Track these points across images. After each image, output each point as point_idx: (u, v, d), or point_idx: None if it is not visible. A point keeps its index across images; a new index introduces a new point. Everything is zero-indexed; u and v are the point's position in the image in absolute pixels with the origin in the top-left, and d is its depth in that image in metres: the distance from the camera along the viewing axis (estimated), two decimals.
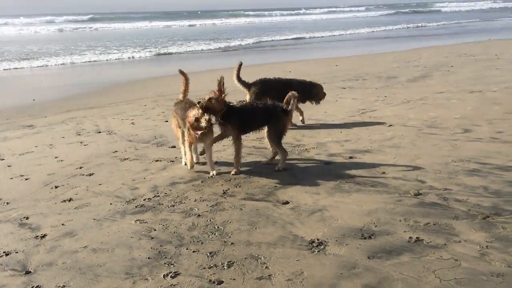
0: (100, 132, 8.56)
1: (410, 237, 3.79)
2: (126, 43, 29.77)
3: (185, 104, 5.97)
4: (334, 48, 25.43)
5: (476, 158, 5.70)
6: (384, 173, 5.34)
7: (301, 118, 8.13)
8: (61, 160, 6.74)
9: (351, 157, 6.04)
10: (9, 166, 6.59)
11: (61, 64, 21.00)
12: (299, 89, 6.71)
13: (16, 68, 20.04)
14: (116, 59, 22.68)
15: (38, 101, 12.42)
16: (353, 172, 5.47)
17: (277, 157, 5.93)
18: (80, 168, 6.32)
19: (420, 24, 42.31)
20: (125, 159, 6.65)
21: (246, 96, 7.81)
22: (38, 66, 20.58)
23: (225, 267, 3.52)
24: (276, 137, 5.75)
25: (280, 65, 17.69)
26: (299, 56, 21.86)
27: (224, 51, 25.68)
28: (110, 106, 11.25)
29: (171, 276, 3.45)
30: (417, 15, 59.21)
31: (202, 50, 26.05)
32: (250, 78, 8.02)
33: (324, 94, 8.17)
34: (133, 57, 23.30)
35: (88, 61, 21.82)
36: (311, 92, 7.90)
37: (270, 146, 6.01)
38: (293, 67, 16.69)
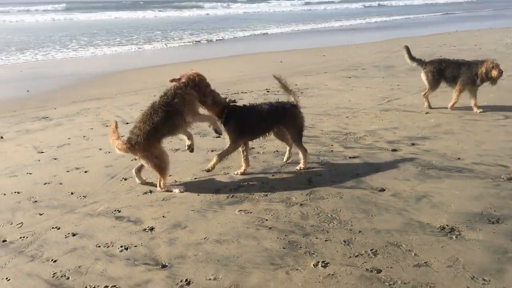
0: (128, 123, 8.26)
1: None
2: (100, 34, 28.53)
3: None
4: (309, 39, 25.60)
5: None
6: (459, 159, 5.51)
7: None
8: (108, 152, 6.48)
9: (413, 144, 6.17)
10: (55, 159, 6.25)
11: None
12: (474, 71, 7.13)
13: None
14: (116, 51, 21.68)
15: (32, 92, 11.76)
16: (426, 158, 5.61)
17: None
18: (135, 160, 6.08)
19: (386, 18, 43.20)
20: (176, 149, 6.47)
21: (421, 75, 8.11)
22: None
23: (372, 255, 3.54)
24: (297, 135, 5.39)
25: (268, 55, 17.65)
26: (281, 45, 21.82)
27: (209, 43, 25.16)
28: (118, 97, 10.87)
29: (321, 266, 3.43)
30: (372, 9, 60.66)
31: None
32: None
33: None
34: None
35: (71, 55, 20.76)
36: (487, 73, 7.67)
37: (288, 146, 5.67)
38: (284, 57, 16.72)
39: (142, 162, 4.91)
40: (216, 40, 24.78)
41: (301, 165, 5.50)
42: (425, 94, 8.11)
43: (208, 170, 5.29)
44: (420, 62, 8.16)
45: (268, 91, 10.60)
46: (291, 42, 23.42)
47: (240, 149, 5.37)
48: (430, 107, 8.09)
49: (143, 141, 4.75)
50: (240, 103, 9.34)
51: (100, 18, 44.18)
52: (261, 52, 18.88)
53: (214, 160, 5.26)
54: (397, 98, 9.19)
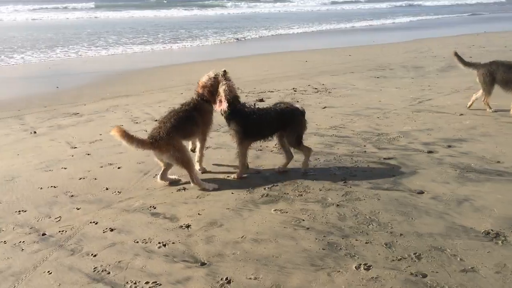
0: (156, 120, 8.27)
1: None
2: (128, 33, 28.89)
3: None
4: (336, 38, 25.39)
5: None
6: (499, 162, 5.35)
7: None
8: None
9: (449, 146, 6.03)
10: (89, 154, 6.31)
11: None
12: None
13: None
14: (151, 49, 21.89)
15: (62, 89, 11.92)
16: (464, 160, 5.47)
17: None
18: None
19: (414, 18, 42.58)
20: (206, 147, 6.43)
21: (476, 79, 7.91)
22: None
23: (415, 259, 3.45)
24: (296, 139, 5.27)
25: (292, 54, 17.56)
26: (305, 45, 21.68)
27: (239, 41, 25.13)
28: (145, 94, 10.94)
29: (364, 268, 3.35)
30: (398, 8, 59.90)
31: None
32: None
33: None
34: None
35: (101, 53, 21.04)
36: None
37: (284, 150, 5.47)
38: (309, 57, 16.61)
39: (165, 157, 4.93)
40: (240, 38, 24.76)
41: (303, 166, 5.39)
42: (484, 99, 7.86)
43: (238, 178, 5.28)
44: (475, 66, 7.93)
45: (295, 90, 10.54)
46: (315, 41, 23.27)
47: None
48: (491, 109, 7.83)
49: (166, 135, 4.85)
50: (267, 102, 9.34)
51: (126, 16, 44.92)
52: (285, 52, 18.82)
53: (239, 169, 5.28)
54: (428, 99, 9.02)
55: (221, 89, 5.07)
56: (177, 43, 22.83)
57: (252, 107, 5.24)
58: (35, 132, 7.51)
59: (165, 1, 66.99)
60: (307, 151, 5.37)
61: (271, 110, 5.25)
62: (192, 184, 4.98)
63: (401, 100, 9.07)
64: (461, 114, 7.68)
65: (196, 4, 63.07)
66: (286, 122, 5.22)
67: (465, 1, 68.94)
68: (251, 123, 5.11)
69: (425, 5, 64.48)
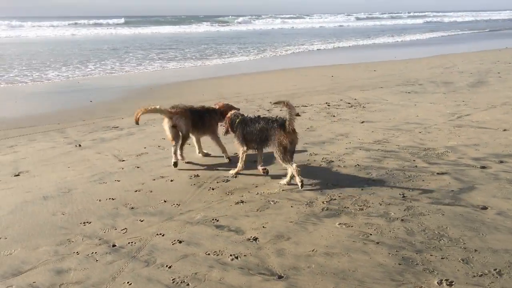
0: None
1: None
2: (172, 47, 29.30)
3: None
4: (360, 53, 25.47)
5: None
6: None
7: None
8: (188, 162, 6.54)
9: (501, 161, 5.97)
10: (138, 167, 6.37)
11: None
12: None
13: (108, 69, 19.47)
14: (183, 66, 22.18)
15: (95, 103, 12.09)
16: None
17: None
18: (216, 170, 6.16)
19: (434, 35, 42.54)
20: (254, 161, 6.48)
21: None
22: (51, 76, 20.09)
23: (497, 275, 3.42)
24: (278, 153, 5.35)
25: (317, 69, 17.65)
26: (327, 60, 21.77)
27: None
28: None
29: (446, 284, 3.32)
30: (426, 24, 59.95)
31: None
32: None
33: None
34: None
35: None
36: None
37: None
38: (333, 72, 16.67)
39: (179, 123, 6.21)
40: (264, 54, 24.98)
41: (283, 181, 5.53)
42: None
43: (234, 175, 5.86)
44: None
45: (328, 105, 10.57)
46: (337, 56, 23.37)
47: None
48: None
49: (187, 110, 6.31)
50: (303, 116, 9.37)
51: (154, 31, 47.16)
52: (309, 66, 18.93)
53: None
54: (467, 114, 8.97)
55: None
56: (204, 58, 23.10)
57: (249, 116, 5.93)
58: (80, 145, 7.61)
59: (192, 20, 68.64)
60: (291, 168, 5.37)
61: (258, 119, 5.71)
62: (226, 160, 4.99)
63: (439, 115, 9.04)
64: (505, 130, 7.61)
65: (216, 20, 64.77)
66: (267, 134, 5.54)
67: (482, 17, 69.02)
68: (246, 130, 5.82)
69: (444, 21, 64.65)
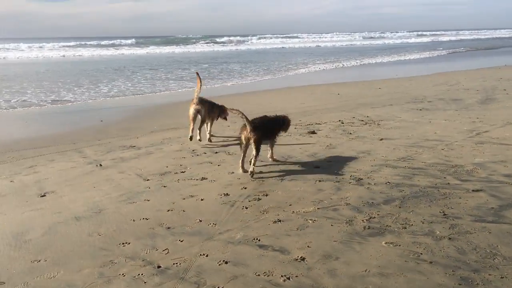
0: (216, 152, 8.29)
1: None
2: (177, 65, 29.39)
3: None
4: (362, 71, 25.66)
5: None
6: None
7: None
8: (213, 181, 6.49)
9: None
10: (165, 186, 6.29)
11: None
12: None
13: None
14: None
15: (106, 122, 12.01)
16: None
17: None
18: (245, 188, 6.06)
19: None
20: (281, 179, 6.40)
21: None
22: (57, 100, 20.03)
23: None
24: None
25: (322, 88, 17.72)
26: (329, 78, 21.89)
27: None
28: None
29: None
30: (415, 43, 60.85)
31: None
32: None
33: None
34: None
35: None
36: None
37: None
38: (339, 90, 16.75)
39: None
40: (264, 74, 25.12)
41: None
42: None
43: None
44: None
45: (342, 123, 10.55)
46: (341, 74, 23.53)
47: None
48: None
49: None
50: (319, 134, 9.34)
51: (165, 51, 49.41)
52: (313, 84, 19.02)
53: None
54: (485, 131, 8.97)
55: None
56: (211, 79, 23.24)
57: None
58: (101, 165, 7.50)
59: (193, 40, 69.84)
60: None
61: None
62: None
63: (457, 132, 9.03)
64: None
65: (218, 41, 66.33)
66: None
67: (479, 36, 70.38)
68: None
69: (446, 40, 65.88)
